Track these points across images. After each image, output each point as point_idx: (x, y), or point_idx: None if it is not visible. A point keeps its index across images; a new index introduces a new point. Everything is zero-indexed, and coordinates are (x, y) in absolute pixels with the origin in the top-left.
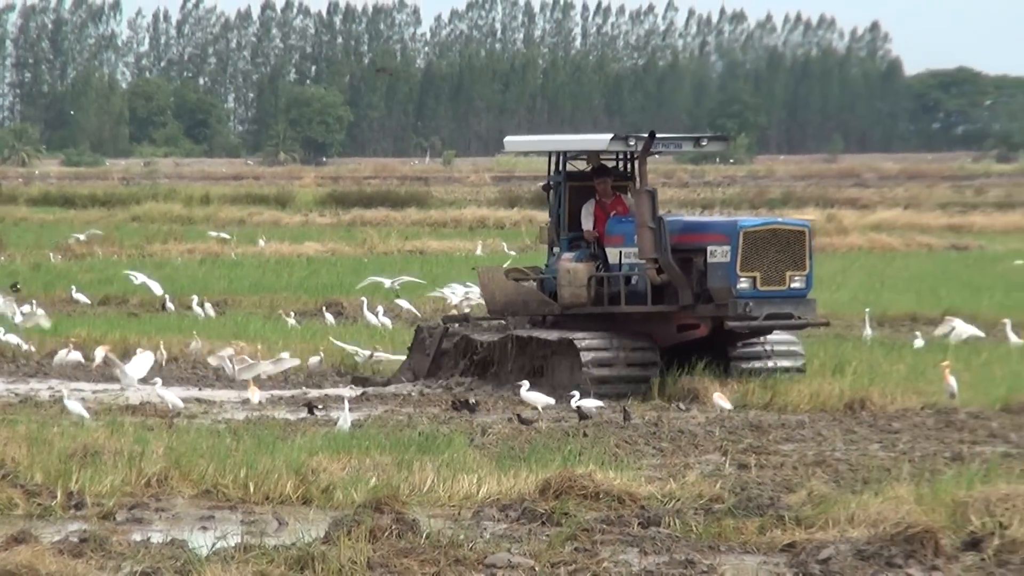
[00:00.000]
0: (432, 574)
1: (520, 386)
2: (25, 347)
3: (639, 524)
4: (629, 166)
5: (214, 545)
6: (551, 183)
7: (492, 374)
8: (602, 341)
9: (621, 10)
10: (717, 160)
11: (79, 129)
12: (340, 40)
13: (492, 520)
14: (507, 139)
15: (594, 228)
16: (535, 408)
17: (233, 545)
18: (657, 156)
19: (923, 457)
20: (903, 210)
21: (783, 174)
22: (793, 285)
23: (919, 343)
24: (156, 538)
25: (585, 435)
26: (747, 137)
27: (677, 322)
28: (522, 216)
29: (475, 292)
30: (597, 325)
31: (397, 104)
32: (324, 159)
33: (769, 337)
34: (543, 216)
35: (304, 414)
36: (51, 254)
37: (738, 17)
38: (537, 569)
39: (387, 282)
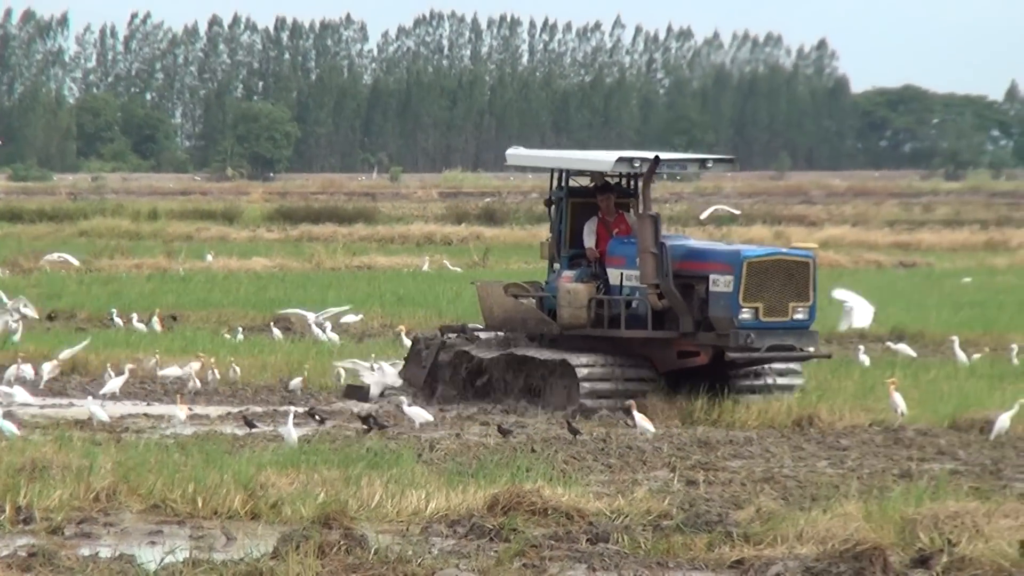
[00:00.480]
0: None
1: (400, 402)
2: None
3: (587, 540)
4: (632, 183)
5: (162, 560)
6: (553, 198)
7: (487, 389)
8: (600, 365)
9: (568, 27)
10: (664, 176)
11: (26, 144)
12: (287, 56)
13: (440, 536)
14: (510, 152)
15: (596, 247)
16: (418, 423)
17: (181, 560)
18: (664, 177)
19: (871, 474)
20: (851, 227)
21: (730, 191)
22: (796, 316)
23: (865, 360)
24: (104, 553)
25: (533, 451)
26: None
27: (677, 348)
28: (470, 232)
29: (390, 374)
30: (596, 347)
31: (344, 120)
32: (272, 175)
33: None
34: (490, 232)
35: (248, 429)
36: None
37: (685, 34)
38: None
39: (311, 316)
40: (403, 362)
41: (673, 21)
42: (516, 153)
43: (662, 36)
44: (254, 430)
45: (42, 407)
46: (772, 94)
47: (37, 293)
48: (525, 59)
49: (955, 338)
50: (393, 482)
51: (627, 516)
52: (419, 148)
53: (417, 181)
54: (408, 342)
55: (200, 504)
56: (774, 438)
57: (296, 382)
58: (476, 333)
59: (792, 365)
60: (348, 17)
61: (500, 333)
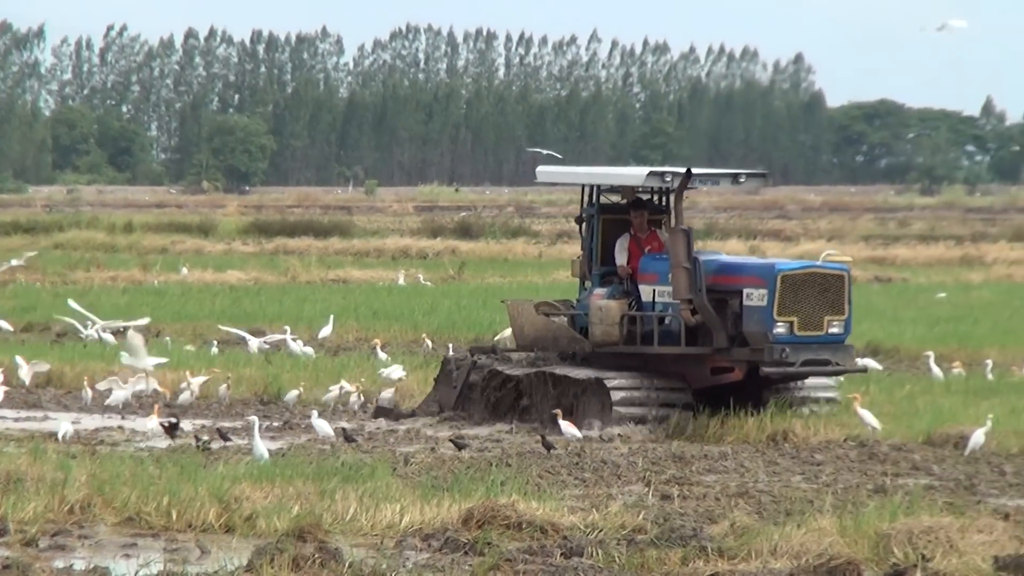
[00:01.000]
0: None
1: (311, 414)
2: None
3: (562, 554)
4: (664, 199)
5: (137, 573)
6: (584, 215)
7: (522, 409)
8: (634, 383)
9: (544, 40)
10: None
11: (2, 156)
12: (263, 69)
13: (415, 550)
14: (540, 169)
15: (628, 263)
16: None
17: (156, 573)
18: (698, 188)
19: (846, 489)
20: (826, 242)
21: (706, 205)
22: (831, 330)
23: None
24: (79, 565)
25: (508, 465)
26: None
27: (711, 364)
28: (445, 246)
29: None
30: (629, 364)
31: (320, 133)
32: (247, 188)
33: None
34: (466, 247)
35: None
36: None
37: (661, 48)
38: None
39: (253, 342)
40: (433, 383)
41: (649, 35)
42: (546, 170)
43: (638, 50)
44: (228, 443)
45: (16, 420)
46: (748, 108)
47: (12, 306)
48: (501, 73)
49: (930, 353)
50: (368, 496)
51: (601, 530)
52: (395, 161)
53: (392, 195)
54: (383, 356)
55: (175, 517)
56: (749, 453)
57: (292, 395)
58: (507, 353)
59: (830, 391)
60: (324, 30)
61: (531, 353)
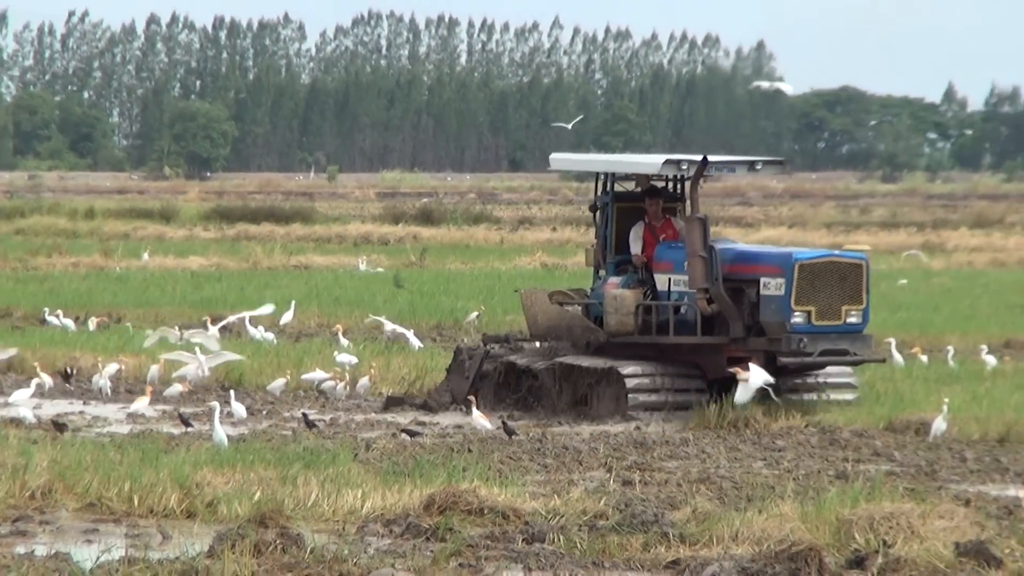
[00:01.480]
0: None
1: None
2: None
3: (523, 540)
4: (679, 187)
5: (98, 559)
6: (598, 204)
7: (536, 400)
8: (649, 373)
9: (506, 27)
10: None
11: None
12: (225, 55)
13: (376, 535)
14: (553, 156)
15: (643, 252)
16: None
17: (117, 559)
18: (713, 176)
19: (807, 475)
20: (788, 229)
21: None
22: (849, 320)
23: None
24: (40, 551)
25: (470, 451)
26: None
27: (727, 354)
28: (407, 232)
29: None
30: (644, 354)
31: (282, 119)
32: (208, 174)
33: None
34: (428, 233)
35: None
36: None
37: (623, 35)
38: None
39: (199, 361)
40: (445, 373)
41: (611, 22)
42: (560, 157)
43: (600, 37)
44: (190, 429)
45: None
46: (710, 95)
47: None
48: (463, 59)
49: (892, 340)
50: (329, 481)
51: (563, 516)
52: (356, 148)
53: (354, 181)
54: (345, 342)
55: (136, 502)
56: (710, 439)
57: (278, 383)
58: (520, 342)
59: (848, 380)
60: (286, 16)
61: (545, 342)
